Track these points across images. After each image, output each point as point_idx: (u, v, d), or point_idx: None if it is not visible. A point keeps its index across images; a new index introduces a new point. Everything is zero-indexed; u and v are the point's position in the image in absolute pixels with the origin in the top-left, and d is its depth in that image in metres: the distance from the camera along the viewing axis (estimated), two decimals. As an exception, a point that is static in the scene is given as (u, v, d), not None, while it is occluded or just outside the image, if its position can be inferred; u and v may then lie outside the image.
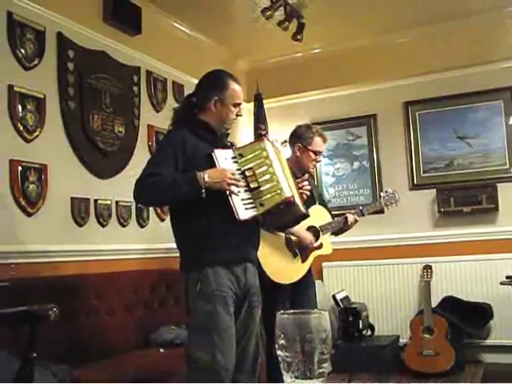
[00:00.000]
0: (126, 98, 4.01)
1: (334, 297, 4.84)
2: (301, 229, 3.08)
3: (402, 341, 4.73)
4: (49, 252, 3.23)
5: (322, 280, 5.20)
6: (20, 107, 3.16)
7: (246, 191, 2.31)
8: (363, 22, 4.83)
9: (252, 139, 5.22)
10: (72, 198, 3.47)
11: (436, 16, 4.73)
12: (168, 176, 2.27)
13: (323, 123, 5.37)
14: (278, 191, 2.29)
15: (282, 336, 0.91)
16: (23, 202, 3.12)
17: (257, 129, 5.19)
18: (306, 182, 2.65)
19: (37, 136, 3.26)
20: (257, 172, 2.33)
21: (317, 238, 3.23)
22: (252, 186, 2.31)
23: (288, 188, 2.33)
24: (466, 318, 4.53)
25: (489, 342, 4.62)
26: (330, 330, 0.93)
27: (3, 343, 2.22)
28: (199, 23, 4.71)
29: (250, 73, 5.61)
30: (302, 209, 2.42)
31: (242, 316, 2.38)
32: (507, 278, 3.95)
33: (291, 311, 0.95)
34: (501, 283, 4.01)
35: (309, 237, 3.14)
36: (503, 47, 4.73)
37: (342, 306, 4.77)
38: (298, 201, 2.38)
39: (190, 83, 4.70)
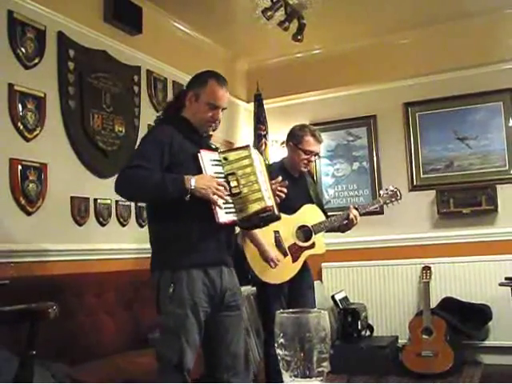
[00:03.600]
0: (127, 97, 4.02)
1: (333, 297, 4.84)
2: (269, 242, 3.06)
3: (401, 341, 4.73)
4: (48, 251, 3.23)
5: (321, 280, 5.21)
6: (20, 106, 3.16)
7: (227, 195, 2.30)
8: (363, 23, 4.84)
9: (252, 139, 5.24)
10: (72, 197, 3.47)
11: (436, 17, 4.74)
12: (155, 173, 2.23)
13: (323, 124, 5.39)
14: (259, 199, 2.30)
15: (282, 335, 0.92)
16: (23, 201, 3.12)
17: (257, 129, 5.20)
18: (284, 189, 2.56)
19: (37, 135, 3.26)
20: (240, 178, 2.33)
21: (309, 237, 3.22)
22: (234, 191, 2.31)
23: (269, 197, 2.34)
24: (464, 319, 4.53)
25: (487, 343, 4.63)
26: (329, 329, 0.93)
27: (2, 342, 2.22)
28: (200, 23, 4.71)
29: (250, 73, 5.62)
30: (277, 214, 2.41)
31: (228, 316, 2.38)
32: (506, 279, 3.95)
33: (291, 310, 0.96)
34: (500, 284, 4.01)
35: (273, 254, 3.06)
36: (503, 49, 4.74)
37: (341, 306, 4.78)
38: (275, 209, 2.37)
39: (191, 83, 4.71)
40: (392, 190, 3.49)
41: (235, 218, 2.30)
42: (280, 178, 2.55)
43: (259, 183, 2.32)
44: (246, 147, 2.44)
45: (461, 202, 4.85)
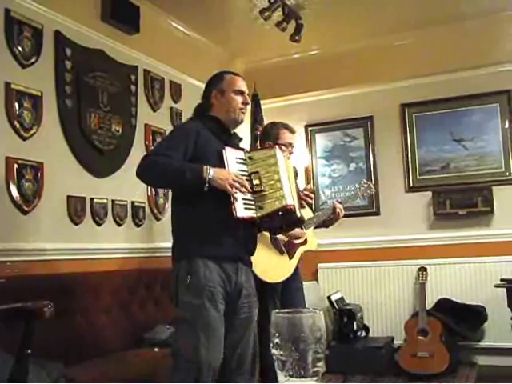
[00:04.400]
0: (124, 96, 4.01)
1: (328, 298, 4.84)
2: None
3: (397, 342, 4.74)
4: (44, 250, 3.23)
5: (317, 281, 5.20)
6: (17, 105, 3.15)
7: (248, 192, 2.32)
8: (361, 23, 4.85)
9: (249, 139, 5.23)
10: (68, 197, 3.46)
11: (433, 19, 4.74)
12: (176, 161, 2.28)
13: (320, 124, 5.41)
14: (280, 198, 2.31)
15: (277, 335, 0.92)
16: (19, 200, 3.12)
17: (254, 129, 5.20)
18: (312, 195, 2.67)
19: (33, 134, 3.25)
20: (262, 177, 2.36)
21: None
22: (255, 189, 2.34)
23: (290, 196, 2.36)
24: (460, 320, 4.54)
25: (483, 344, 4.63)
26: (325, 329, 0.94)
27: (-1, 341, 2.22)
28: (197, 23, 4.71)
29: (248, 73, 5.59)
30: (299, 215, 2.43)
31: (239, 316, 2.38)
32: (502, 280, 3.96)
33: (286, 310, 0.96)
34: (495, 286, 4.02)
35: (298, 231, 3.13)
36: (500, 51, 4.75)
37: (336, 307, 4.78)
38: (297, 209, 2.39)
39: (188, 83, 4.71)
40: (366, 183, 3.68)
41: (254, 215, 2.31)
42: (310, 186, 2.60)
43: (282, 182, 2.35)
44: (273, 148, 2.50)
45: (457, 204, 4.86)
